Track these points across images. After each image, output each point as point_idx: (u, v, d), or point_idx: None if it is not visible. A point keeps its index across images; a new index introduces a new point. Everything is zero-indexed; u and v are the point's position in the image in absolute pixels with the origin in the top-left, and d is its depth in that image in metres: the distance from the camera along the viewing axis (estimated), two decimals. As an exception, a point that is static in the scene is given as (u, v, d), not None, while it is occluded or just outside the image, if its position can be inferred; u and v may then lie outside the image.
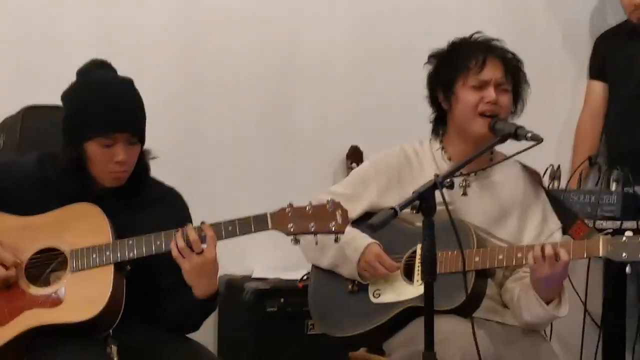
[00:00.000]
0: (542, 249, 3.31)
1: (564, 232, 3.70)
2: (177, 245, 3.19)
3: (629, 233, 3.29)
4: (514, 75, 3.57)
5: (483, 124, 3.50)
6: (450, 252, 3.38)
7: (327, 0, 4.93)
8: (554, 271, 3.31)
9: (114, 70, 3.37)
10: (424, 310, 2.98)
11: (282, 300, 4.48)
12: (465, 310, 3.30)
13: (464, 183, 3.54)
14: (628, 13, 5.02)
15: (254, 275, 4.69)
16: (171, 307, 3.33)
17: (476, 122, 3.51)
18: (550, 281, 3.35)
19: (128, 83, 3.34)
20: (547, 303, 3.41)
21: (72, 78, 3.38)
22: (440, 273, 3.09)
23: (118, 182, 3.32)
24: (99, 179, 3.32)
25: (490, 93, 3.50)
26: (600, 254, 3.29)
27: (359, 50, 4.98)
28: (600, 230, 4.32)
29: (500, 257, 3.39)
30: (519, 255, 3.37)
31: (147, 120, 3.36)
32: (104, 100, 3.27)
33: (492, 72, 3.52)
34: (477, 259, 3.36)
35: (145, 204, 3.37)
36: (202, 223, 3.23)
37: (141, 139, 3.33)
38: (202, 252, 3.18)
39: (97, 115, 3.25)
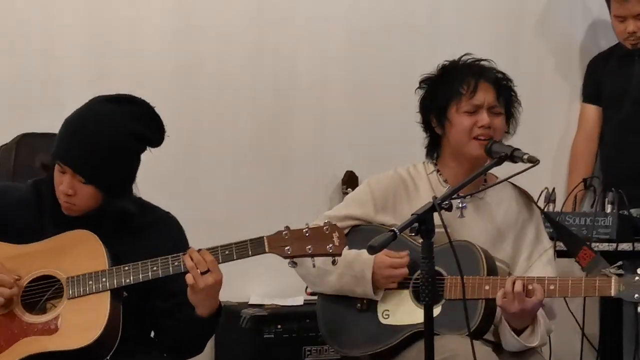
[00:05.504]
0: (513, 284, 3.30)
1: (571, 256, 3.68)
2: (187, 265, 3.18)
3: None
4: (505, 96, 3.61)
5: (478, 146, 3.53)
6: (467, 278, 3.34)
7: (322, 26, 4.95)
8: (523, 307, 3.30)
9: (125, 107, 3.28)
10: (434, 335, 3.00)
11: (279, 326, 4.47)
12: (474, 335, 3.29)
13: (461, 205, 3.54)
14: (621, 40, 5.03)
15: (251, 302, 4.69)
16: (172, 330, 3.32)
17: (471, 145, 3.54)
18: (520, 316, 3.35)
19: (105, 125, 3.24)
20: (521, 330, 3.40)
21: (67, 106, 3.36)
22: (453, 298, 3.30)
23: (68, 212, 3.29)
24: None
25: (484, 117, 3.53)
26: (612, 294, 3.23)
27: (354, 76, 4.99)
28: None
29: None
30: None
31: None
32: (68, 129, 3.27)
33: (484, 96, 3.55)
34: (487, 287, 3.35)
35: (141, 229, 3.35)
36: (200, 250, 3.22)
37: (92, 181, 3.24)
38: (207, 271, 3.18)
39: (59, 139, 3.28)
